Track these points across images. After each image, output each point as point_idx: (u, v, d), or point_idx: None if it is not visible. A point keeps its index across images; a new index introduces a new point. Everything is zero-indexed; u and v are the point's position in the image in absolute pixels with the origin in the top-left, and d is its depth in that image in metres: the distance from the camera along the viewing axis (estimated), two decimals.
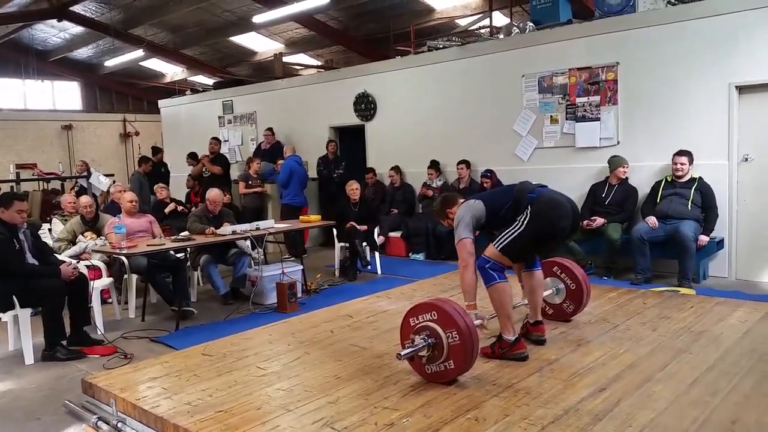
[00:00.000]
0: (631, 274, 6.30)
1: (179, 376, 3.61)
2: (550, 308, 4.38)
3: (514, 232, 3.57)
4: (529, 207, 3.58)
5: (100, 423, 3.30)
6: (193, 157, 11.20)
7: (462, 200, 3.95)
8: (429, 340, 3.25)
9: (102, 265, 5.97)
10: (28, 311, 4.73)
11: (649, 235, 6.19)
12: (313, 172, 9.74)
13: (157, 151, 11.28)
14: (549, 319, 4.27)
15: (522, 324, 4.02)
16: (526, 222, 3.55)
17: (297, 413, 3.00)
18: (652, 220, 6.27)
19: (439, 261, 8.00)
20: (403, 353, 3.28)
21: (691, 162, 6.27)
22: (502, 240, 3.60)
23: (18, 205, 4.70)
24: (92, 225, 6.50)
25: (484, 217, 3.73)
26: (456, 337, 3.19)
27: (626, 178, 6.79)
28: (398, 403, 3.07)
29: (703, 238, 6.06)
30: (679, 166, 6.27)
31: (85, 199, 6.75)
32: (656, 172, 6.69)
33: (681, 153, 6.29)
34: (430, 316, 3.29)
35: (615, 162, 6.76)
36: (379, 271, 7.48)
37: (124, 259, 5.73)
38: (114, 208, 7.06)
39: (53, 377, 4.33)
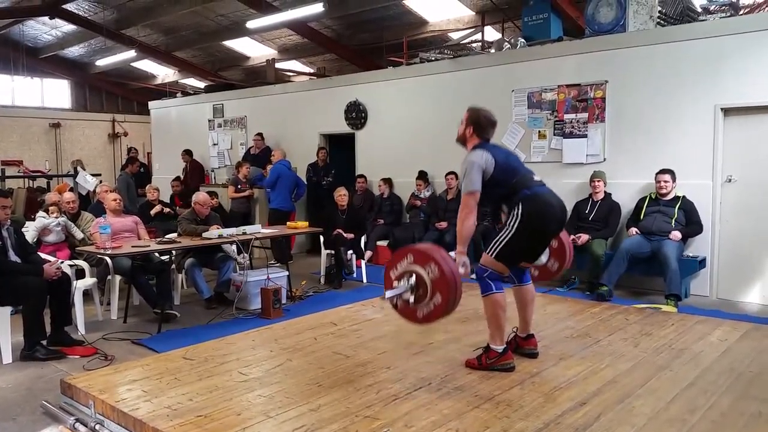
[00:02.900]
0: (616, 290, 6.32)
1: (160, 379, 3.59)
2: (536, 269, 4.32)
3: (505, 237, 3.57)
4: (520, 204, 3.55)
5: (77, 425, 3.26)
6: (188, 153, 11.27)
7: (480, 143, 3.76)
8: (410, 280, 3.30)
9: (86, 266, 5.92)
10: (8, 309, 4.68)
11: (636, 250, 6.24)
12: (302, 179, 9.73)
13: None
14: (535, 281, 4.21)
15: (510, 337, 3.99)
16: (516, 224, 3.54)
17: (277, 420, 2.99)
18: (633, 230, 6.40)
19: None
20: (387, 295, 3.35)
21: (674, 180, 6.36)
22: (494, 246, 3.60)
23: (1, 201, 4.66)
24: (73, 221, 6.47)
25: (487, 177, 3.61)
26: (435, 270, 3.24)
27: (609, 194, 6.86)
28: (380, 413, 3.07)
29: (676, 234, 6.14)
30: (662, 183, 6.35)
31: (68, 195, 6.72)
32: (640, 189, 6.76)
33: (664, 171, 6.38)
34: (407, 260, 3.35)
35: (594, 174, 6.88)
36: (365, 280, 7.48)
37: (107, 259, 5.69)
38: (100, 209, 7.01)
39: (31, 377, 4.28)
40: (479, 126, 3.78)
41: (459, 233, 3.59)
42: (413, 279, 3.32)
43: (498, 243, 3.60)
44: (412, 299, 3.33)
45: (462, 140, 3.87)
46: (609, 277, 6.27)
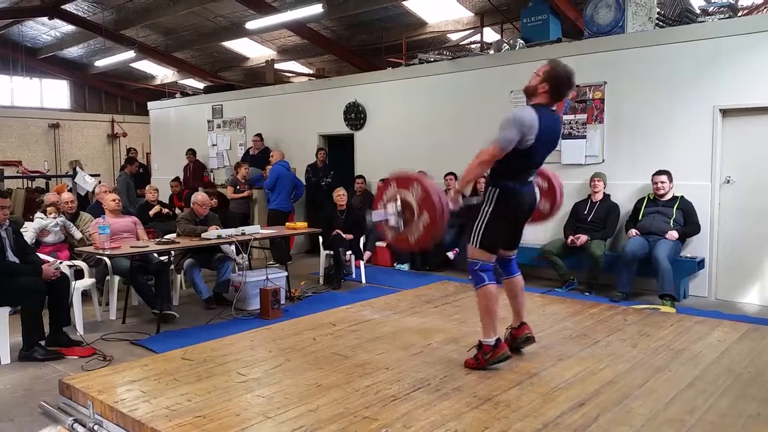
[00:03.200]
0: (613, 290, 6.35)
1: (158, 379, 3.58)
2: None
3: (481, 225, 3.64)
4: (497, 191, 3.61)
5: (76, 425, 3.26)
6: (193, 152, 11.29)
7: (544, 105, 3.56)
8: (397, 204, 3.40)
9: (85, 266, 5.92)
10: (7, 309, 4.67)
11: (641, 252, 6.25)
12: (301, 180, 9.73)
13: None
14: (530, 223, 4.16)
15: (506, 336, 4.02)
16: (488, 211, 3.62)
17: (276, 420, 2.99)
18: (632, 232, 6.41)
19: (423, 272, 8.02)
20: (374, 217, 3.46)
21: (670, 181, 6.37)
22: (475, 235, 3.67)
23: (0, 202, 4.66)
24: (71, 222, 6.48)
25: (521, 144, 3.44)
26: (418, 189, 3.34)
27: (608, 195, 6.87)
28: (378, 413, 3.07)
29: (673, 234, 6.15)
30: (659, 184, 6.37)
31: (67, 195, 6.72)
32: (638, 190, 6.77)
33: (660, 172, 6.40)
34: (391, 188, 3.46)
35: (594, 174, 6.91)
36: (364, 280, 7.48)
37: (106, 260, 5.69)
38: (99, 209, 7.01)
39: (30, 377, 4.28)
40: (556, 86, 3.52)
41: (465, 174, 3.49)
42: (399, 203, 3.40)
43: (477, 232, 3.66)
44: (401, 223, 3.40)
45: (530, 92, 3.64)
46: (622, 283, 6.29)
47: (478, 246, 3.66)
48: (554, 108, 3.66)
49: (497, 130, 3.48)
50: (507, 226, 3.72)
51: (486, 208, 3.65)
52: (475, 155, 3.51)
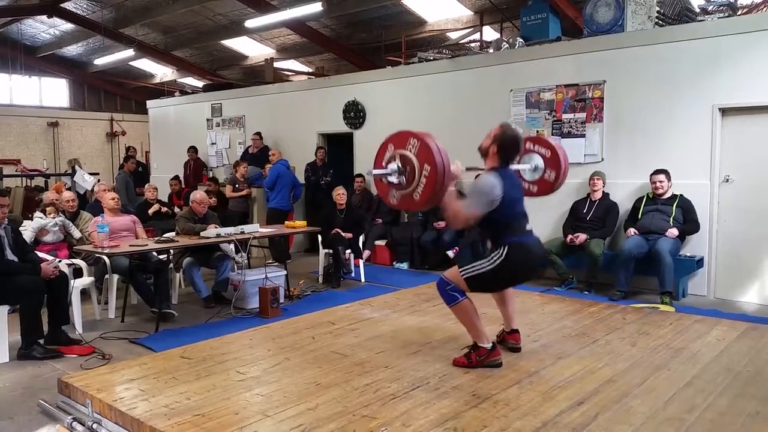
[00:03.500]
0: (612, 289, 6.36)
1: (157, 378, 3.58)
2: (534, 185, 4.32)
3: (483, 268, 3.55)
4: (506, 248, 3.54)
5: (74, 424, 3.25)
6: (195, 150, 11.36)
7: (499, 167, 3.68)
8: (396, 162, 3.35)
9: (84, 265, 5.91)
10: (6, 308, 4.67)
11: (638, 251, 6.25)
12: (300, 178, 9.73)
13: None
14: (533, 196, 4.23)
15: (499, 333, 4.08)
16: (497, 263, 3.53)
17: (275, 419, 2.98)
18: (631, 231, 6.42)
19: (422, 271, 8.02)
20: (374, 172, 3.41)
21: (669, 179, 6.37)
22: (469, 270, 3.58)
23: None
24: (71, 221, 6.48)
25: (492, 205, 3.52)
26: (415, 143, 3.30)
27: (607, 194, 6.87)
28: (377, 411, 3.07)
29: (673, 231, 6.16)
30: (657, 183, 6.37)
31: (68, 194, 6.72)
32: (638, 189, 6.77)
33: (658, 171, 6.40)
34: (389, 150, 3.41)
35: (594, 173, 6.92)
36: (363, 279, 7.48)
37: (105, 258, 5.68)
38: (98, 208, 7.00)
39: (29, 376, 4.27)
40: (504, 148, 3.70)
41: (451, 213, 3.53)
42: (398, 160, 3.35)
43: (474, 269, 3.58)
44: (403, 179, 3.35)
45: (483, 154, 3.81)
46: (620, 282, 6.29)
47: (464, 277, 3.58)
48: (507, 167, 3.77)
49: (469, 196, 3.57)
50: (508, 281, 3.73)
51: (495, 259, 3.54)
52: (454, 210, 3.50)
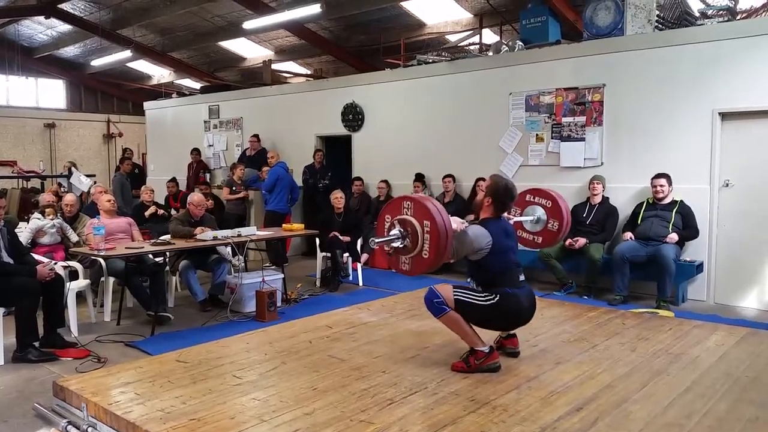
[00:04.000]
0: (611, 294, 6.34)
1: (153, 382, 3.55)
2: (539, 236, 4.37)
3: (477, 301, 3.60)
4: (499, 297, 3.59)
5: (69, 427, 3.23)
6: (198, 152, 11.46)
7: (491, 218, 3.73)
8: (396, 227, 3.42)
9: (79, 267, 5.88)
10: (1, 310, 4.64)
11: (631, 254, 6.25)
12: (298, 181, 9.70)
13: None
14: (539, 247, 4.36)
15: (497, 338, 4.06)
16: (489, 305, 3.59)
17: (271, 424, 2.95)
18: (627, 235, 6.41)
19: (420, 275, 7.97)
20: (376, 241, 3.45)
21: (670, 184, 6.36)
22: (463, 295, 3.62)
23: None
24: (70, 223, 6.45)
25: (477, 254, 3.61)
26: (410, 204, 3.37)
27: (607, 198, 6.86)
28: (375, 417, 3.04)
29: (673, 237, 6.15)
30: (658, 188, 6.36)
31: (69, 198, 6.71)
32: (637, 193, 6.76)
33: (659, 176, 6.39)
34: (405, 207, 3.44)
35: (593, 177, 6.92)
36: (361, 283, 7.45)
37: (101, 261, 5.65)
38: (94, 209, 6.97)
39: (23, 379, 4.24)
40: (497, 199, 3.73)
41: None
42: (398, 226, 3.42)
43: (468, 296, 3.62)
44: (408, 243, 3.39)
45: (477, 207, 3.86)
46: (618, 286, 6.29)
47: (455, 298, 3.60)
48: (501, 217, 3.82)
49: (455, 245, 3.52)
50: (495, 324, 3.78)
51: (489, 300, 3.59)
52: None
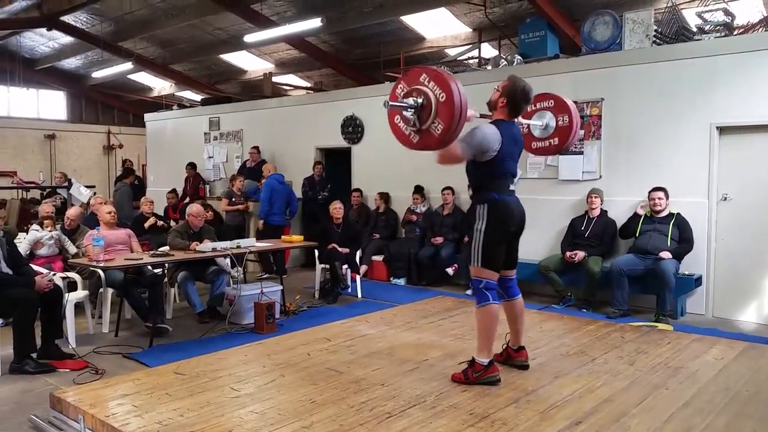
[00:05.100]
0: (610, 307, 6.33)
1: (151, 394, 3.54)
2: (554, 137, 4.33)
3: (479, 243, 3.65)
4: (486, 206, 3.65)
5: None
6: (193, 167, 11.33)
7: (503, 120, 3.76)
8: (419, 99, 3.33)
9: (78, 278, 5.87)
10: None
11: (629, 268, 6.25)
12: (298, 193, 9.71)
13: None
14: (556, 148, 4.33)
15: (502, 349, 4.05)
16: (483, 227, 3.64)
17: None
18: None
19: (420, 287, 7.99)
20: (390, 103, 3.38)
21: (667, 197, 6.37)
22: (476, 255, 3.68)
23: None
24: (70, 235, 6.45)
25: (484, 156, 3.61)
26: (443, 96, 3.26)
27: (605, 211, 6.87)
28: (373, 430, 3.03)
29: (666, 254, 6.14)
30: (656, 201, 6.37)
31: (72, 212, 6.73)
32: (635, 207, 6.76)
33: (656, 189, 6.41)
34: (422, 78, 3.37)
35: (591, 191, 6.93)
36: (360, 295, 7.44)
37: (100, 272, 5.64)
38: (93, 220, 6.97)
39: (20, 391, 4.22)
40: (513, 101, 3.73)
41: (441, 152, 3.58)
42: (421, 98, 3.33)
43: (477, 251, 3.67)
44: (415, 119, 3.34)
45: (491, 106, 3.87)
46: (617, 300, 6.27)
47: (479, 264, 3.67)
48: (514, 121, 3.85)
49: (463, 138, 3.58)
50: (502, 243, 3.74)
51: (479, 227, 3.66)
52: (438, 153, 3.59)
